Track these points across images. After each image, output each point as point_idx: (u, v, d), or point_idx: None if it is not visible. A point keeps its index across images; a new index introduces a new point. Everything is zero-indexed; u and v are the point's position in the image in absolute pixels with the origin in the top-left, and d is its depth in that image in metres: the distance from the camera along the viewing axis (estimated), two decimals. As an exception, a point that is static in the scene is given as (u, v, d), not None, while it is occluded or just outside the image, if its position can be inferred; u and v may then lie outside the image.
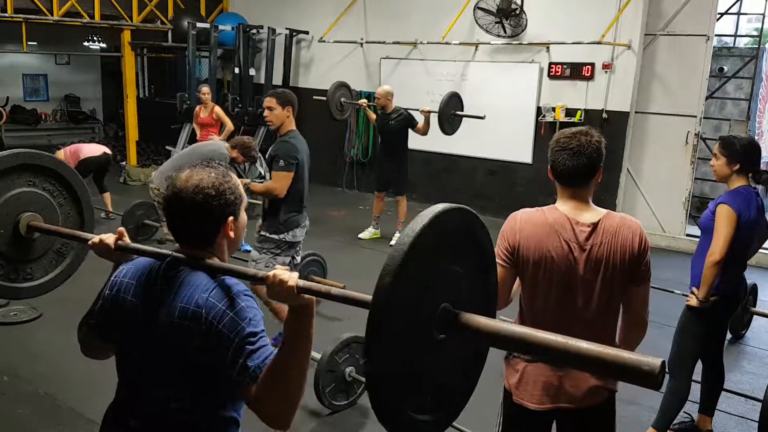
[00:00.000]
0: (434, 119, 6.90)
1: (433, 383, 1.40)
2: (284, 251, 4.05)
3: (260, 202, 8.18)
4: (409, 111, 7.11)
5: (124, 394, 1.65)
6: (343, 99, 7.71)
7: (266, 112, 4.00)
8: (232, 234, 1.62)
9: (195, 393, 1.53)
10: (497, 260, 2.13)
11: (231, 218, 1.60)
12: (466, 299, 1.40)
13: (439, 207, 1.33)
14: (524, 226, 2.15)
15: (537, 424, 2.26)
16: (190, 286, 1.52)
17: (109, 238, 1.74)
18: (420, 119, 7.02)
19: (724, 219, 3.09)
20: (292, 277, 1.39)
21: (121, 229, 1.78)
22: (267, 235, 4.03)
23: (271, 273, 1.41)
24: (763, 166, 3.35)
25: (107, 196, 7.75)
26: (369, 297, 1.26)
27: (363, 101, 7.65)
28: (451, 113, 6.88)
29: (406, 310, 1.25)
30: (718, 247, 3.08)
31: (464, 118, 7.17)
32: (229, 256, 1.69)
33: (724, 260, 3.09)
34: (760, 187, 3.30)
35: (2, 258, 2.27)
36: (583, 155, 2.10)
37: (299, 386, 1.44)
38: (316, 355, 3.65)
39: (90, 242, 1.78)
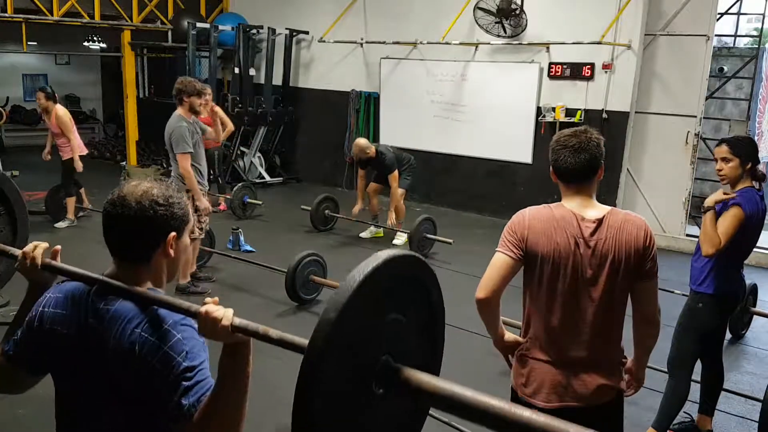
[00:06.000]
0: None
1: None
2: None
3: (260, 202, 8.25)
4: (392, 151, 7.08)
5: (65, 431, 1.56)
6: (327, 212, 7.69)
7: None
8: (172, 252, 1.50)
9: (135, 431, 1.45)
10: (504, 252, 2.15)
11: (174, 234, 1.49)
12: (412, 351, 1.31)
13: (392, 252, 1.27)
14: (533, 222, 2.16)
15: None
16: (121, 319, 1.41)
17: (37, 257, 1.60)
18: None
19: (730, 217, 3.06)
20: (226, 315, 1.29)
21: (58, 247, 1.63)
22: None
23: (203, 309, 1.31)
24: (762, 167, 3.33)
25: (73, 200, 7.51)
26: (306, 342, 1.19)
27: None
28: (422, 236, 6.80)
29: (344, 360, 1.17)
30: (721, 237, 3.04)
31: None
32: (168, 281, 1.57)
33: (725, 261, 3.08)
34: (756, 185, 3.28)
35: None
36: (585, 151, 2.13)
37: (235, 427, 1.34)
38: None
39: (18, 257, 1.65)
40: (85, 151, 7.40)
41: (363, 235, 7.51)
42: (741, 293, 3.46)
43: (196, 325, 1.36)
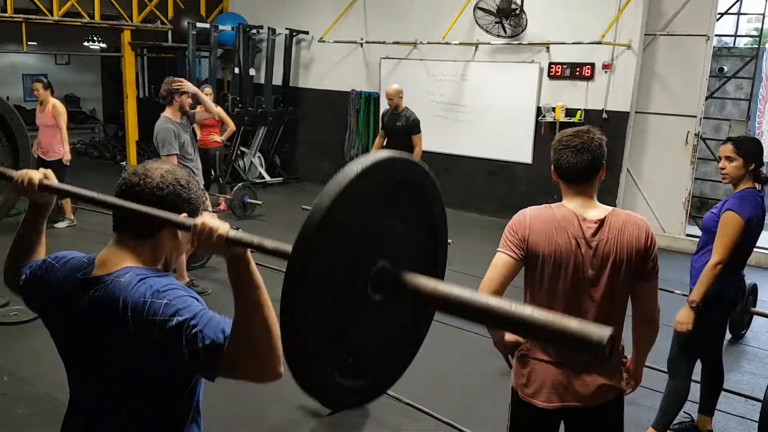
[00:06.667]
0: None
1: (364, 347, 1.26)
2: None
3: (260, 202, 8.26)
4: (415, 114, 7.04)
5: (71, 387, 1.62)
6: None
7: None
8: (180, 234, 1.52)
9: (131, 399, 1.47)
10: (505, 252, 2.16)
11: (185, 215, 1.48)
12: (411, 260, 1.24)
13: (396, 152, 1.20)
14: (533, 222, 2.16)
15: (545, 422, 2.27)
16: (112, 298, 1.41)
17: (34, 176, 1.62)
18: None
19: (730, 226, 3.06)
20: (222, 227, 1.28)
21: (48, 171, 1.66)
22: None
23: (199, 221, 1.30)
24: (764, 169, 3.33)
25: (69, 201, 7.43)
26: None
27: None
28: None
29: (337, 256, 1.11)
30: (719, 254, 3.06)
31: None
32: (166, 270, 1.57)
33: (725, 264, 3.08)
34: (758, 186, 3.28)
35: None
36: (587, 152, 2.12)
37: (268, 332, 1.32)
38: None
39: (15, 177, 1.65)
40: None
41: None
42: (741, 294, 3.45)
43: (180, 284, 1.37)
